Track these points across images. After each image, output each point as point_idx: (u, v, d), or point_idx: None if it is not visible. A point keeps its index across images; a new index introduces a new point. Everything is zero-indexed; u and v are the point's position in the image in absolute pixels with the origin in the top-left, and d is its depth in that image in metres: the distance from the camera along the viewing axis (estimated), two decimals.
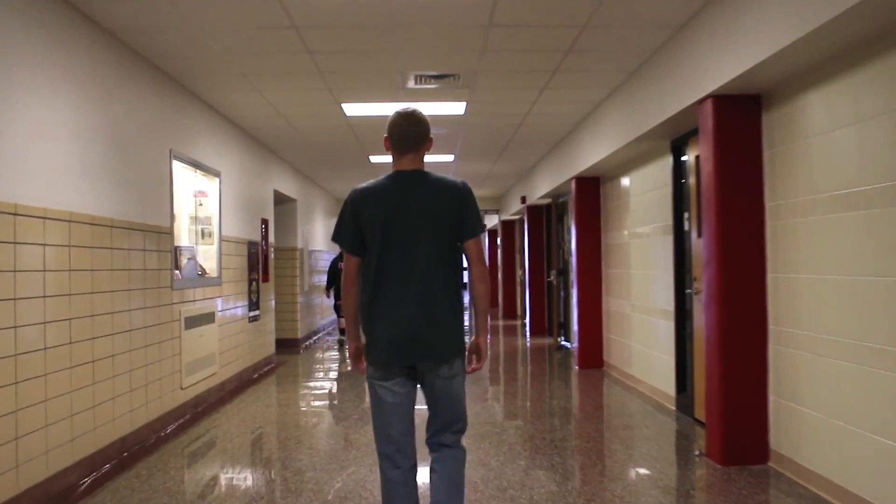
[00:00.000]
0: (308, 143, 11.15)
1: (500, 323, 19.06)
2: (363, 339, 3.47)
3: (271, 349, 11.43)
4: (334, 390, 9.46)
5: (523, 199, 15.20)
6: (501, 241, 20.66)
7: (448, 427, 3.45)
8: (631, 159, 8.88)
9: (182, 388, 7.31)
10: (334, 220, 16.92)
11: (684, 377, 7.42)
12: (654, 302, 8.16)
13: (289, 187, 13.20)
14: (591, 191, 10.50)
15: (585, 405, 8.12)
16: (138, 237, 6.33)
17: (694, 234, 6.94)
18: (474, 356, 3.49)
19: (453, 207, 3.33)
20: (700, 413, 6.85)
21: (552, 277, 12.95)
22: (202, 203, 8.76)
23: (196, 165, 8.03)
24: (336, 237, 3.48)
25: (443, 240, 3.31)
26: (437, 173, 3.45)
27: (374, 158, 12.67)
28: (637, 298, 8.81)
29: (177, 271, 7.76)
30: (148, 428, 6.41)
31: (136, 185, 6.40)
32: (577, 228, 10.56)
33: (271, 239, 11.65)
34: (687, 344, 7.30)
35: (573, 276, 11.73)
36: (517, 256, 19.98)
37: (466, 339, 3.48)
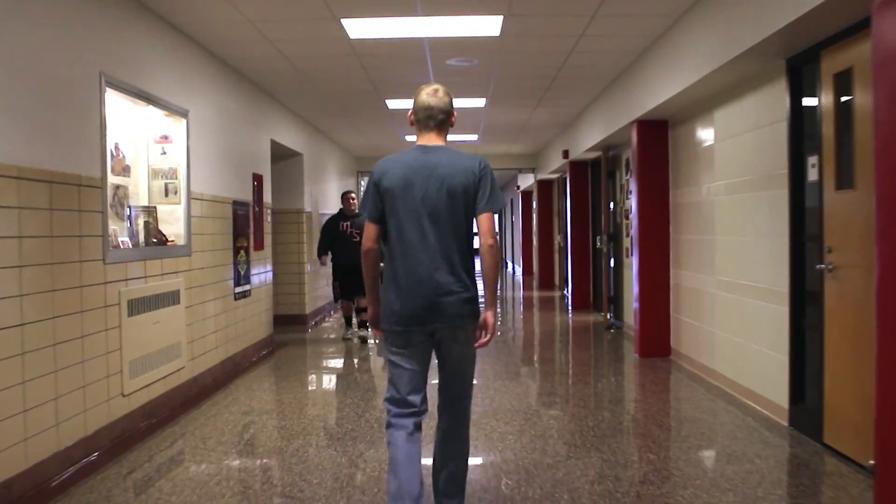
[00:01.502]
0: (310, 83, 9.19)
1: (536, 294, 17.10)
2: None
3: (267, 330, 9.58)
4: (347, 386, 7.58)
5: (566, 154, 13.16)
6: (537, 203, 18.63)
7: (459, 398, 3.59)
8: (716, 93, 6.85)
9: (124, 396, 5.46)
10: (351, 181, 15.03)
11: (802, 384, 5.44)
12: (754, 278, 6.16)
13: (292, 139, 11.27)
14: (657, 138, 8.47)
15: (660, 416, 6.17)
16: (41, 192, 4.45)
17: (829, 187, 4.92)
18: (482, 331, 3.53)
19: (469, 182, 3.45)
20: (834, 438, 4.87)
21: (601, 244, 10.96)
22: (165, 151, 6.86)
23: (148, 99, 6.11)
24: (362, 205, 3.62)
25: (459, 212, 3.45)
26: (458, 150, 3.57)
27: (392, 103, 10.69)
28: (725, 273, 6.82)
29: (124, 239, 5.89)
30: (54, 462, 4.56)
31: (48, 120, 4.51)
32: (637, 185, 8.55)
33: (267, 199, 9.75)
34: (810, 339, 5.31)
35: (631, 242, 9.74)
36: (556, 220, 17.95)
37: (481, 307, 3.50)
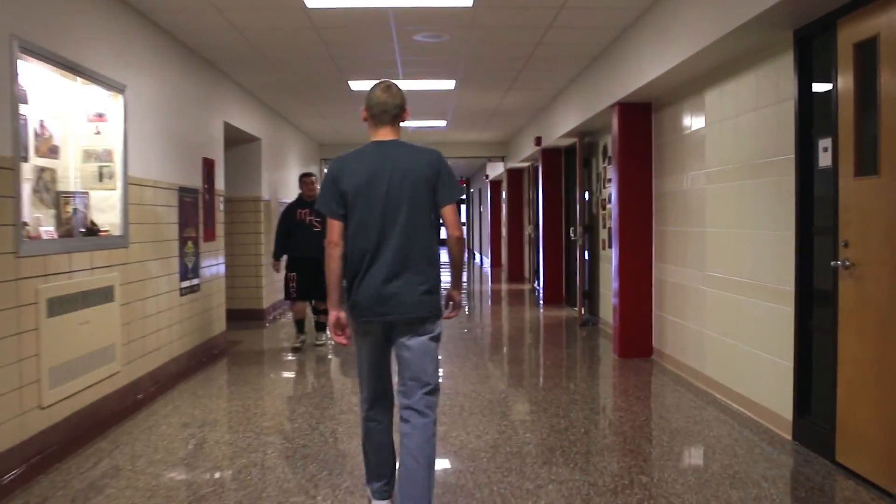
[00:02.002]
0: (266, 61, 8.49)
1: (505, 287, 16.52)
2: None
3: (219, 327, 8.89)
4: (303, 392, 6.93)
5: (538, 141, 12.56)
6: (507, 192, 18.04)
7: (418, 386, 3.52)
8: (708, 72, 6.28)
9: (42, 409, 4.77)
10: (313, 169, 14.29)
11: (809, 393, 4.89)
12: (751, 275, 5.60)
13: (249, 122, 10.55)
14: (639, 122, 7.88)
15: (649, 428, 5.58)
16: None
17: (846, 173, 4.35)
18: (450, 304, 3.77)
19: (429, 175, 3.51)
20: (849, 456, 4.32)
21: (577, 235, 10.39)
22: (99, 131, 6.14)
23: (76, 70, 5.40)
24: (320, 205, 3.60)
25: (419, 205, 3.50)
26: (413, 143, 3.61)
27: (355, 85, 10.01)
28: (716, 268, 6.26)
29: (48, 229, 5.19)
30: None
31: None
32: (617, 173, 7.96)
33: (220, 185, 9.04)
34: (819, 344, 4.76)
35: (609, 233, 9.19)
36: (526, 210, 17.37)
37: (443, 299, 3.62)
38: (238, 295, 11.18)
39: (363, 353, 3.62)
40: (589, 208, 10.55)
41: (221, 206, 9.12)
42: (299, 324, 8.86)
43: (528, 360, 8.24)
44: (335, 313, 3.56)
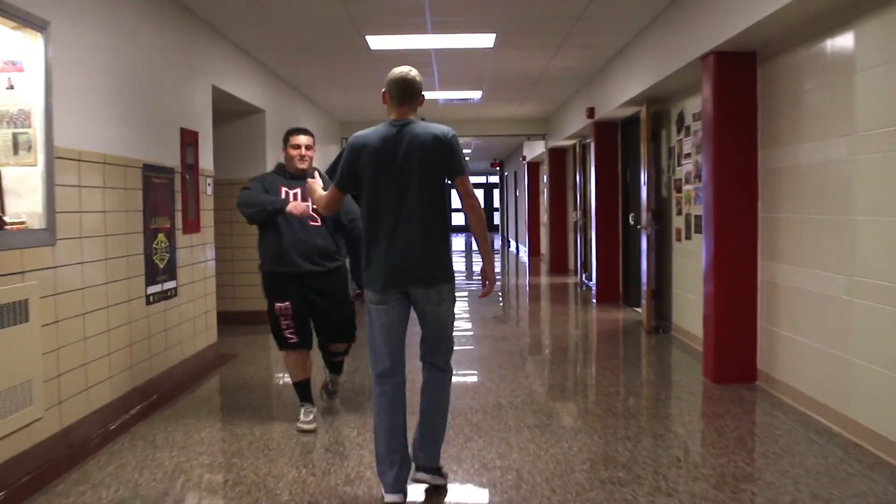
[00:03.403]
0: (264, 9, 6.77)
1: (546, 280, 14.72)
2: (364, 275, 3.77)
3: (208, 339, 7.21)
4: (304, 445, 5.21)
5: (590, 112, 10.73)
6: (549, 174, 16.19)
7: (437, 348, 3.84)
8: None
9: None
10: (333, 149, 12.48)
11: None
12: None
13: (249, 90, 8.84)
14: (741, 77, 6.05)
15: None
16: None
17: None
18: (485, 282, 3.87)
19: (440, 150, 3.68)
20: None
21: (645, 223, 8.57)
22: (12, 85, 4.47)
23: None
24: (333, 171, 3.95)
25: (431, 179, 3.69)
26: (424, 121, 3.80)
27: (374, 41, 8.25)
28: (872, 271, 4.45)
29: None
30: None
31: None
32: (711, 144, 6.13)
33: (206, 164, 7.34)
34: None
35: (686, 221, 7.42)
36: (570, 194, 15.54)
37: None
38: (238, 295, 9.52)
39: (381, 324, 3.73)
40: (657, 191, 8.71)
41: (210, 190, 7.43)
42: (301, 389, 5.27)
43: (589, 383, 6.46)
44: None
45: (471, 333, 8.65)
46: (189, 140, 6.79)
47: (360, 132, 3.79)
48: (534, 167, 20.28)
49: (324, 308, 5.13)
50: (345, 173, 3.77)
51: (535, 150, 18.19)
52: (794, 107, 5.51)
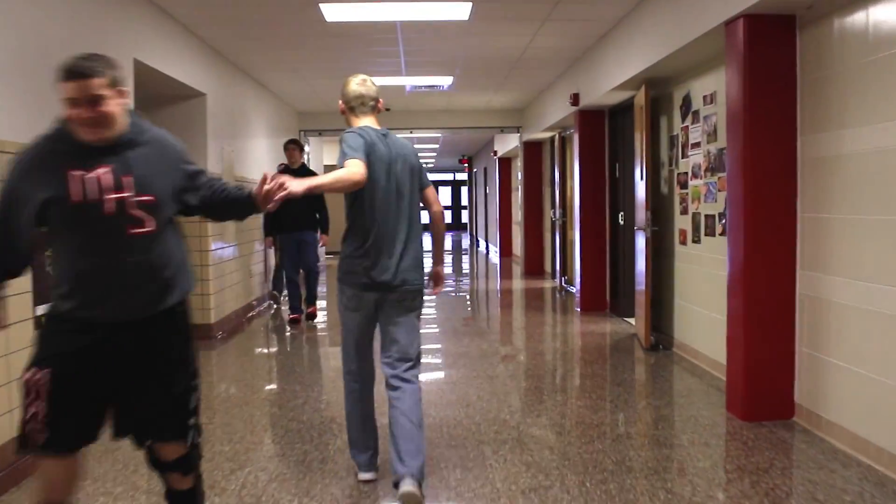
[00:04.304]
0: None
1: (521, 284, 13.58)
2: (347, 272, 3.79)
3: None
4: None
5: (575, 99, 9.61)
6: (523, 170, 15.05)
7: (405, 360, 3.80)
8: None
9: None
10: (285, 140, 11.07)
11: None
12: None
13: (184, 68, 7.59)
14: (776, 45, 4.94)
15: None
16: None
17: None
18: (435, 281, 4.09)
19: (414, 162, 3.86)
20: None
21: (643, 224, 7.44)
22: None
23: None
24: (354, 148, 3.62)
25: (413, 189, 3.84)
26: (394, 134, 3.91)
27: (329, 11, 7.04)
28: None
29: None
30: None
31: None
32: (742, 128, 5.00)
33: None
34: None
35: (693, 221, 6.34)
36: (547, 190, 14.42)
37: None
38: (197, 305, 8.24)
39: (353, 327, 3.85)
40: (655, 187, 7.60)
41: None
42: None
43: (586, 418, 5.29)
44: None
45: (435, 347, 7.51)
46: None
47: (362, 129, 3.77)
48: (505, 163, 19.17)
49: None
50: (360, 154, 3.60)
51: (507, 144, 17.07)
52: (844, 82, 4.42)
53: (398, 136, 3.92)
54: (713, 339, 6.27)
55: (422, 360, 3.91)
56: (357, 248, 3.72)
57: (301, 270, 9.41)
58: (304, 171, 9.06)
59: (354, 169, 3.50)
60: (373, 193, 3.68)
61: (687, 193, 6.90)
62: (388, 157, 3.72)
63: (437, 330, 8.97)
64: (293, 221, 8.97)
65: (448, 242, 29.36)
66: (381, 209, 3.69)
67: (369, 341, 3.90)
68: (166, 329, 2.75)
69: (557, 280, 12.72)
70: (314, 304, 9.45)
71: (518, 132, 14.87)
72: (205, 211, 2.93)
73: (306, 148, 14.70)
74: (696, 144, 6.63)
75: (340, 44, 8.43)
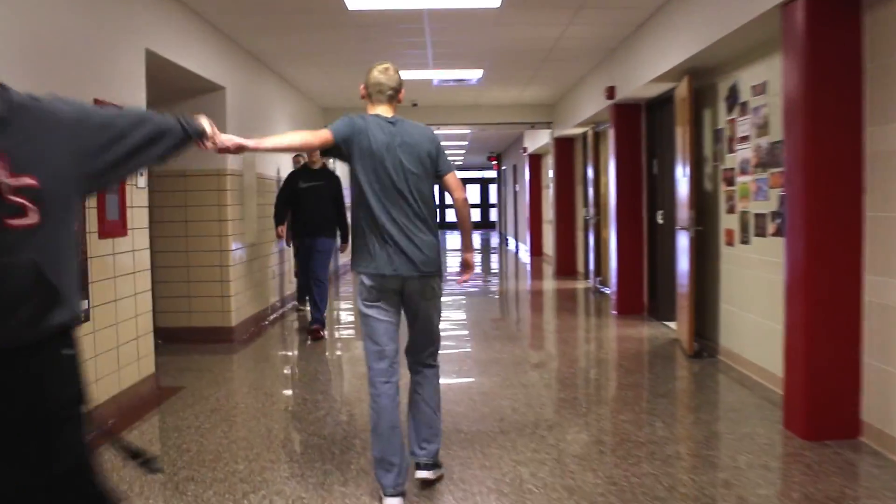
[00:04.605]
0: None
1: (551, 284, 13.16)
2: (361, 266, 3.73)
3: (141, 371, 5.65)
4: None
5: (610, 93, 9.17)
6: (555, 166, 14.62)
7: (426, 347, 3.90)
8: None
9: None
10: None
11: None
12: None
13: (203, 61, 7.27)
14: (841, 29, 4.50)
15: None
16: None
17: None
18: (464, 269, 4.11)
19: (430, 148, 3.78)
20: None
21: (686, 224, 6.99)
22: None
23: None
24: (336, 128, 3.64)
25: (424, 175, 3.75)
26: (411, 121, 3.85)
27: (353, 3, 6.68)
28: None
29: None
30: None
31: None
32: (800, 120, 4.57)
33: None
34: None
35: (741, 221, 5.90)
36: (579, 189, 13.99)
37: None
38: (194, 308, 7.96)
39: (378, 318, 3.72)
40: (698, 184, 7.15)
41: (142, 182, 5.87)
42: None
43: (630, 435, 4.88)
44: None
45: (465, 351, 7.13)
46: None
47: (361, 116, 3.74)
48: (535, 160, 18.74)
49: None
50: (344, 132, 3.63)
51: (537, 140, 16.65)
52: None
53: (414, 123, 3.86)
54: (764, 347, 5.84)
55: (440, 350, 4.00)
56: (360, 237, 3.75)
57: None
58: (324, 174, 8.44)
59: (301, 134, 3.77)
60: (367, 181, 3.65)
61: (734, 191, 6.46)
62: (386, 143, 3.65)
63: (466, 333, 8.59)
64: (311, 226, 8.24)
65: (476, 241, 28.99)
66: (377, 197, 3.64)
67: (396, 330, 3.79)
68: (44, 372, 1.96)
69: (591, 281, 12.27)
70: (319, 324, 8.23)
71: (549, 128, 14.44)
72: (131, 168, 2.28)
73: None
74: (745, 138, 6.19)
75: (363, 34, 8.07)
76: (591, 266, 12.07)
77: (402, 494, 3.67)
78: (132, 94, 5.64)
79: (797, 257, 4.58)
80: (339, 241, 8.54)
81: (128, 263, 5.51)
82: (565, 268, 14.55)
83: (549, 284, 13.40)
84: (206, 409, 5.44)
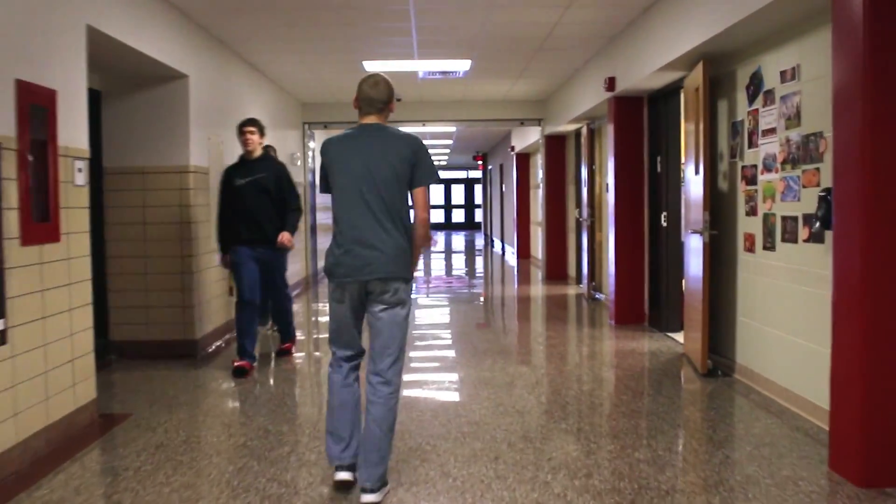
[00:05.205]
0: None
1: (541, 289, 12.44)
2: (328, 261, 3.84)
3: (77, 399, 4.86)
4: None
5: (610, 84, 8.45)
6: (545, 165, 13.88)
7: (386, 355, 3.77)
8: None
9: None
10: (294, 134, 9.62)
11: None
12: None
13: (158, 44, 6.50)
14: None
15: None
16: None
17: None
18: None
19: (407, 154, 3.76)
20: None
21: (701, 227, 6.25)
22: None
23: None
24: (321, 189, 3.98)
25: (393, 182, 3.74)
26: (396, 128, 3.88)
27: None
28: None
29: None
30: None
31: None
32: (861, 107, 3.83)
33: (72, 141, 4.97)
34: None
35: (766, 224, 5.19)
36: (571, 188, 13.26)
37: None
38: (154, 319, 7.19)
39: (339, 315, 3.81)
40: (712, 183, 6.42)
41: (81, 179, 5.07)
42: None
43: (648, 479, 4.16)
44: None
45: (452, 369, 6.38)
46: (37, 100, 4.44)
47: (330, 138, 3.92)
48: (523, 159, 18.05)
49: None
50: (323, 184, 3.94)
51: (525, 139, 15.94)
52: None
53: (405, 129, 3.96)
54: (793, 367, 5.14)
55: (403, 359, 3.87)
56: (333, 239, 3.83)
57: (270, 296, 7.09)
58: (264, 163, 6.64)
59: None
60: (338, 187, 3.79)
61: (755, 190, 5.75)
62: (358, 149, 3.76)
63: (452, 346, 7.84)
64: (252, 228, 6.52)
65: (461, 242, 28.24)
66: (348, 202, 3.75)
67: (356, 329, 3.85)
68: None
69: (584, 286, 11.54)
70: (291, 340, 7.31)
71: (539, 125, 13.71)
72: None
73: (311, 144, 13.61)
74: (770, 131, 5.47)
75: (344, 18, 7.30)
76: (585, 270, 11.34)
77: (351, 468, 3.78)
78: (68, 77, 4.86)
79: (850, 268, 3.86)
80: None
81: (61, 274, 4.72)
82: (555, 271, 13.82)
83: (539, 289, 12.67)
84: (152, 443, 4.65)
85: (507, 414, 5.19)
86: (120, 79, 7.07)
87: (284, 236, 6.56)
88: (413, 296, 4.09)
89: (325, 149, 3.87)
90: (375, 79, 3.87)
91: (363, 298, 3.77)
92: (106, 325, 7.20)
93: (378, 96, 3.82)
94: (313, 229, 13.76)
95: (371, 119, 3.85)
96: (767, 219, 5.53)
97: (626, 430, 4.87)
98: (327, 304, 3.80)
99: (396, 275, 3.72)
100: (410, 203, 3.84)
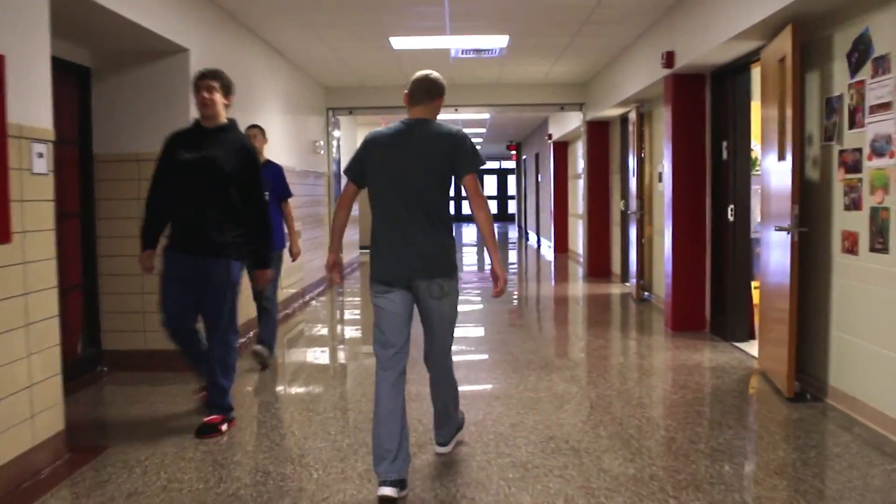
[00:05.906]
0: None
1: (582, 287, 11.45)
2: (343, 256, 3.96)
3: (36, 434, 4.00)
4: None
5: (668, 60, 7.45)
6: (587, 154, 12.87)
7: (437, 344, 3.93)
8: None
9: None
10: (318, 121, 8.70)
11: None
12: None
13: (152, 12, 5.62)
14: None
15: None
16: None
17: None
18: (495, 282, 3.89)
19: (448, 148, 3.76)
20: None
21: (789, 225, 5.23)
22: None
23: None
24: (346, 170, 3.93)
25: (436, 176, 3.75)
26: (441, 123, 3.84)
27: None
28: None
29: None
30: None
31: None
32: None
33: (28, 119, 4.08)
34: None
35: (873, 220, 4.16)
36: (615, 178, 12.24)
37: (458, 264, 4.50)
38: (151, 327, 6.34)
39: (386, 318, 3.76)
40: (799, 173, 5.40)
41: (41, 167, 4.19)
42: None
43: None
44: (332, 256, 3.94)
45: (495, 387, 5.45)
46: None
47: (374, 130, 3.91)
48: (561, 147, 17.05)
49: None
50: (355, 170, 3.88)
51: (564, 126, 14.95)
52: None
53: (442, 123, 3.86)
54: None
55: (453, 348, 3.98)
56: (375, 241, 3.81)
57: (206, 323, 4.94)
58: (225, 136, 4.77)
59: (338, 214, 3.96)
60: (381, 186, 3.77)
61: (859, 180, 4.74)
62: (400, 147, 3.75)
63: (488, 356, 6.89)
64: (189, 227, 4.69)
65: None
66: (390, 202, 3.73)
67: (399, 328, 3.77)
68: None
69: (631, 284, 10.54)
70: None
71: (580, 110, 12.71)
72: None
73: (335, 133, 12.74)
74: (882, 106, 4.47)
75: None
76: (633, 267, 10.33)
77: (397, 485, 3.58)
78: (24, 41, 3.98)
79: None
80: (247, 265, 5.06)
81: (14, 281, 3.85)
82: (598, 268, 12.82)
83: (580, 287, 11.70)
84: (123, 491, 3.77)
85: (559, 453, 4.25)
86: (111, 54, 6.23)
87: (263, 275, 4.96)
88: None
89: (370, 144, 3.86)
90: (425, 73, 3.94)
91: (410, 299, 3.81)
92: (98, 333, 6.39)
93: (430, 86, 3.87)
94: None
95: (417, 111, 3.88)
96: (877, 214, 4.54)
97: (711, 479, 3.89)
98: (372, 308, 3.83)
99: (442, 273, 3.78)
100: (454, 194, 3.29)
